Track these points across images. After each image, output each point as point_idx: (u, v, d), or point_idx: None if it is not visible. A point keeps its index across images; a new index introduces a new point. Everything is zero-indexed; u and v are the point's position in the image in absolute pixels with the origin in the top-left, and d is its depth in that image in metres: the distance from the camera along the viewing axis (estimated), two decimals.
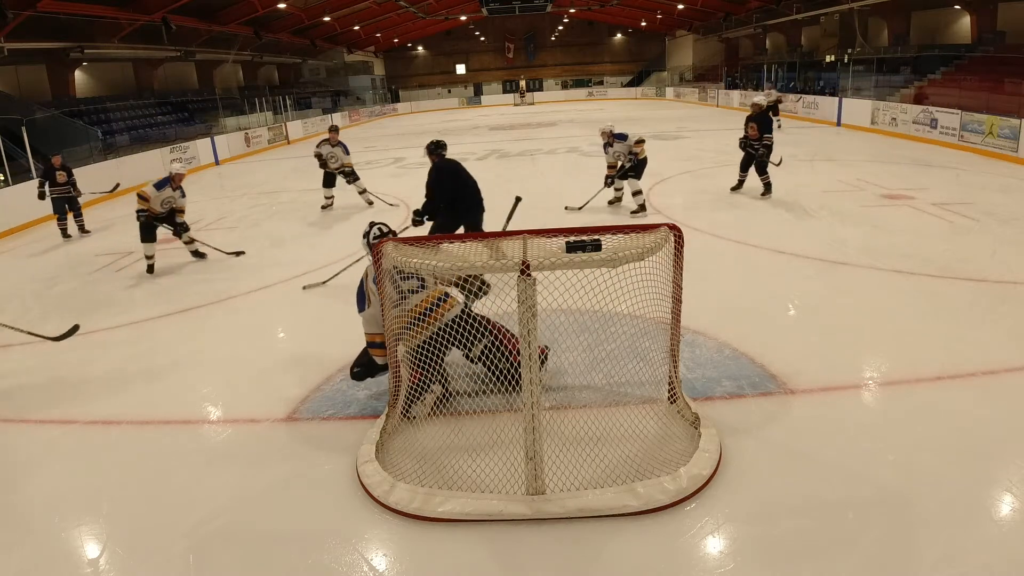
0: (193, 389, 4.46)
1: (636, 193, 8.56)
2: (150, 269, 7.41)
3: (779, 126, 18.07)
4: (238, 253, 7.93)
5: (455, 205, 6.18)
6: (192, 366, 4.83)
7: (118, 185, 11.55)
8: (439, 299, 3.82)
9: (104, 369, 4.91)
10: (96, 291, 6.98)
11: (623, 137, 8.57)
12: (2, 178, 11.71)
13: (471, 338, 3.68)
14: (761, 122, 9.14)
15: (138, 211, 7.23)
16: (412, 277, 3.73)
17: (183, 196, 7.52)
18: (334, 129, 10.31)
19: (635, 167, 8.52)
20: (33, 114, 14.72)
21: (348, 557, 2.79)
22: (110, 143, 16.76)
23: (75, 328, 4.83)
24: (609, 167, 8.80)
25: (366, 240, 4.18)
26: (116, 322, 5.81)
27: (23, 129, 11.94)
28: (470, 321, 3.66)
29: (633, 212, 8.61)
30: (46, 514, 3.22)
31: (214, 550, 2.89)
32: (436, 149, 6.37)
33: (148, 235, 7.32)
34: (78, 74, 19.74)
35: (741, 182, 9.68)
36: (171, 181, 7.34)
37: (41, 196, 9.68)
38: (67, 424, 4.08)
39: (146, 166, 15.22)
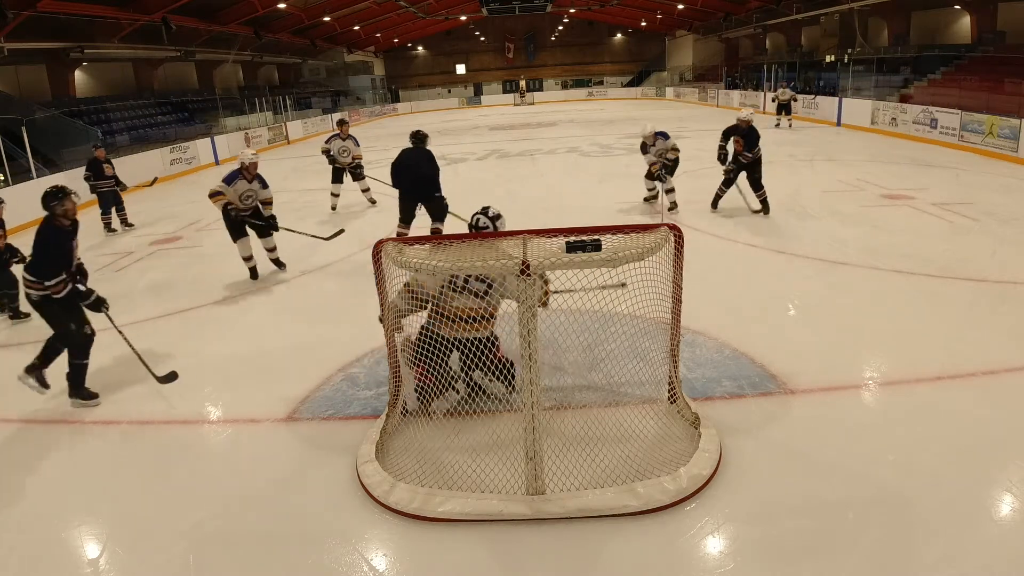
0: (193, 389, 4.46)
1: (669, 191, 8.60)
2: (253, 274, 6.76)
3: (790, 125, 18.13)
4: (338, 232, 7.53)
5: (401, 191, 6.96)
6: (192, 366, 4.83)
7: (156, 178, 11.61)
8: (485, 315, 3.80)
9: (104, 369, 4.91)
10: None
11: (666, 135, 8.56)
12: (2, 178, 11.70)
13: (478, 362, 3.67)
14: (749, 136, 8.23)
15: (226, 206, 6.43)
16: (483, 281, 3.71)
17: (265, 187, 6.67)
18: (343, 123, 10.30)
19: (670, 167, 8.56)
20: (33, 114, 14.71)
21: (348, 557, 2.79)
22: (110, 143, 16.74)
23: (174, 375, 4.65)
24: (651, 165, 8.70)
25: (473, 230, 4.22)
26: (116, 322, 5.80)
27: (23, 129, 11.94)
28: (487, 350, 3.67)
29: (669, 209, 8.62)
30: (46, 514, 3.22)
31: (214, 550, 2.89)
32: (410, 138, 7.07)
33: (237, 232, 6.62)
34: (78, 74, 19.72)
35: (740, 191, 8.51)
36: (241, 173, 6.45)
37: (93, 190, 9.72)
38: (68, 424, 4.08)
39: (146, 166, 15.21)
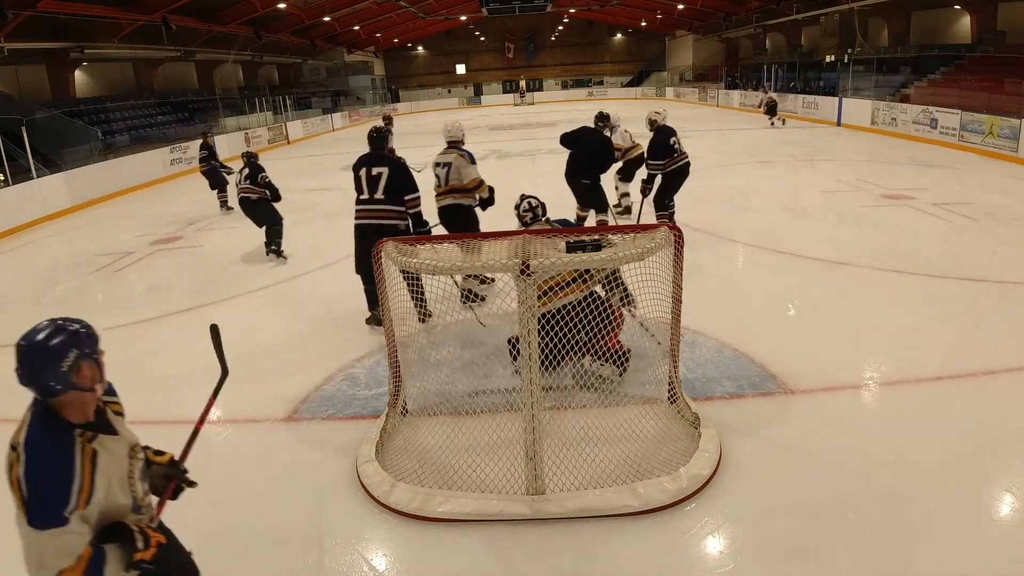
0: (193, 389, 4.44)
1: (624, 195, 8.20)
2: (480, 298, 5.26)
3: (783, 123, 18.88)
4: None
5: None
6: (192, 366, 4.83)
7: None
8: (563, 282, 3.77)
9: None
10: (96, 291, 6.98)
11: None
12: (2, 178, 11.70)
13: (580, 323, 3.52)
14: (654, 139, 6.98)
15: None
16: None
17: None
18: (390, 119, 9.98)
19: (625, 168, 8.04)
20: (33, 114, 14.69)
21: (348, 557, 2.79)
22: (110, 143, 16.74)
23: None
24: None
25: (517, 212, 4.47)
26: (116, 322, 5.81)
27: (23, 129, 11.94)
28: (586, 310, 3.54)
29: (621, 212, 8.15)
30: None
31: (214, 550, 2.88)
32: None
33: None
34: (78, 74, 19.71)
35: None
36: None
37: (214, 170, 10.66)
38: None
39: (146, 166, 15.22)
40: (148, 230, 9.87)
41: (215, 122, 21.79)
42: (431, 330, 4.66)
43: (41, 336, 1.62)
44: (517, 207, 4.47)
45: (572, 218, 7.07)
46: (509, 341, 4.14)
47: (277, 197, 7.55)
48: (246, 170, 7.42)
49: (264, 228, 7.51)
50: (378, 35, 37.20)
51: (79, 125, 16.39)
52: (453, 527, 2.90)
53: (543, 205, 4.47)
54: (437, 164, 5.49)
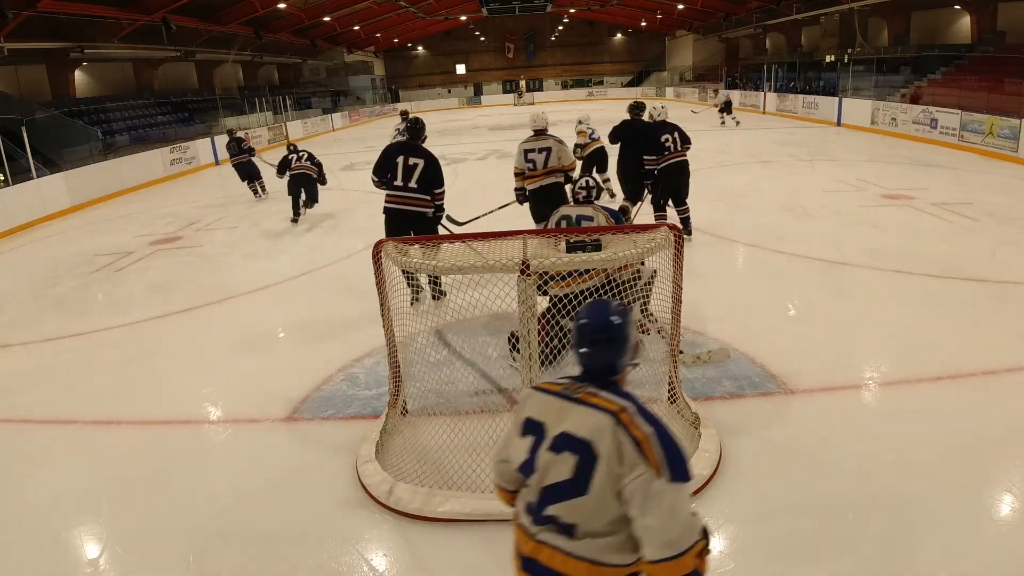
0: (193, 389, 4.46)
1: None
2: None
3: (736, 122, 19.85)
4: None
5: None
6: (192, 366, 4.83)
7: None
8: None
9: (104, 369, 4.92)
10: (96, 291, 6.98)
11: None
12: (2, 178, 11.70)
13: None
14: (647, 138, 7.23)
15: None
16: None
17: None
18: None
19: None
20: (33, 114, 14.69)
21: (348, 557, 2.79)
22: (110, 143, 16.73)
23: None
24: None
25: (572, 187, 4.62)
26: (116, 322, 5.81)
27: (23, 129, 11.93)
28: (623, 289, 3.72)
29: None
30: (46, 514, 3.22)
31: (214, 550, 2.89)
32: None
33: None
34: (78, 74, 19.71)
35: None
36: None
37: (246, 159, 11.66)
38: (67, 424, 4.08)
39: (146, 166, 15.22)
40: (148, 230, 9.86)
41: (215, 122, 21.79)
42: (441, 313, 4.66)
43: (616, 315, 1.72)
44: (574, 183, 4.61)
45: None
46: (509, 339, 4.15)
47: (325, 181, 9.74)
48: (304, 154, 9.45)
49: (301, 199, 9.50)
50: (378, 35, 37.19)
51: (79, 125, 16.38)
52: (453, 527, 2.90)
53: (599, 189, 4.62)
54: (530, 150, 5.93)
